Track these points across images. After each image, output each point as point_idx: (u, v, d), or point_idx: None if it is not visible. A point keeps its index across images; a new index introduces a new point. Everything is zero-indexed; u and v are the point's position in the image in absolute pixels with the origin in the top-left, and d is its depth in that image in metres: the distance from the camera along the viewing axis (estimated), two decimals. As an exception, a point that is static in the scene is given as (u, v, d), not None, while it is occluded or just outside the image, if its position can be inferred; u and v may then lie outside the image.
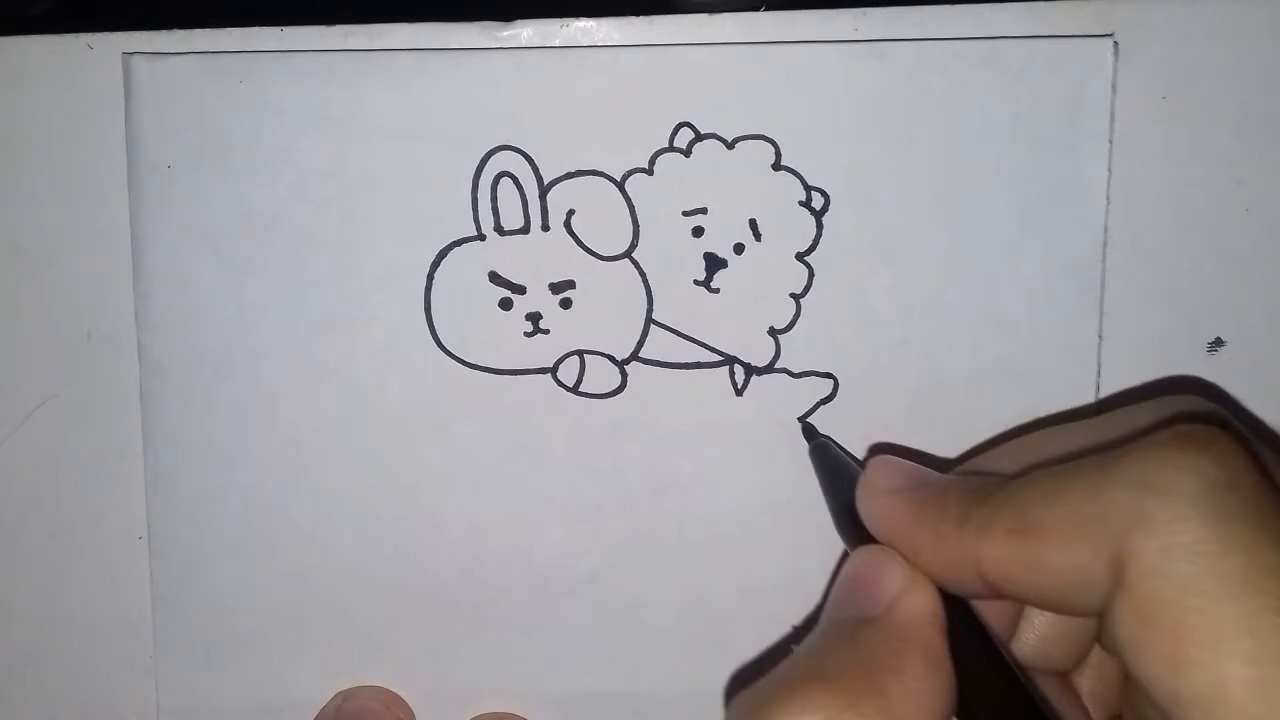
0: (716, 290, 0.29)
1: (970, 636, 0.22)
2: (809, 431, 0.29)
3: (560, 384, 0.29)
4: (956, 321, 0.29)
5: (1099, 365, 0.29)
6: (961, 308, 0.29)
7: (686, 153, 0.28)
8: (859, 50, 0.28)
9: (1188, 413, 0.22)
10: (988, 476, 0.23)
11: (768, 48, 0.28)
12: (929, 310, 0.29)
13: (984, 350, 0.29)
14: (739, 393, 0.29)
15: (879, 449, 0.29)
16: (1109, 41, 0.28)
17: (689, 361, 0.29)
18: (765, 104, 0.28)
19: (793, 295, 0.29)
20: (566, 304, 0.29)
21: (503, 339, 0.29)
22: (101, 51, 0.28)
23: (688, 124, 0.28)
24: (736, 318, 0.29)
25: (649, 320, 0.29)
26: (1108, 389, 0.29)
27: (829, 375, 0.29)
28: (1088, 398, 0.29)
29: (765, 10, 0.28)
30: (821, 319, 0.29)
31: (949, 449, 0.29)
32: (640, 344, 0.29)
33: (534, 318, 0.29)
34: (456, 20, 0.28)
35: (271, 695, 0.29)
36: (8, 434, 0.30)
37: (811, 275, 0.29)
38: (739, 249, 0.29)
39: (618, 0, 0.29)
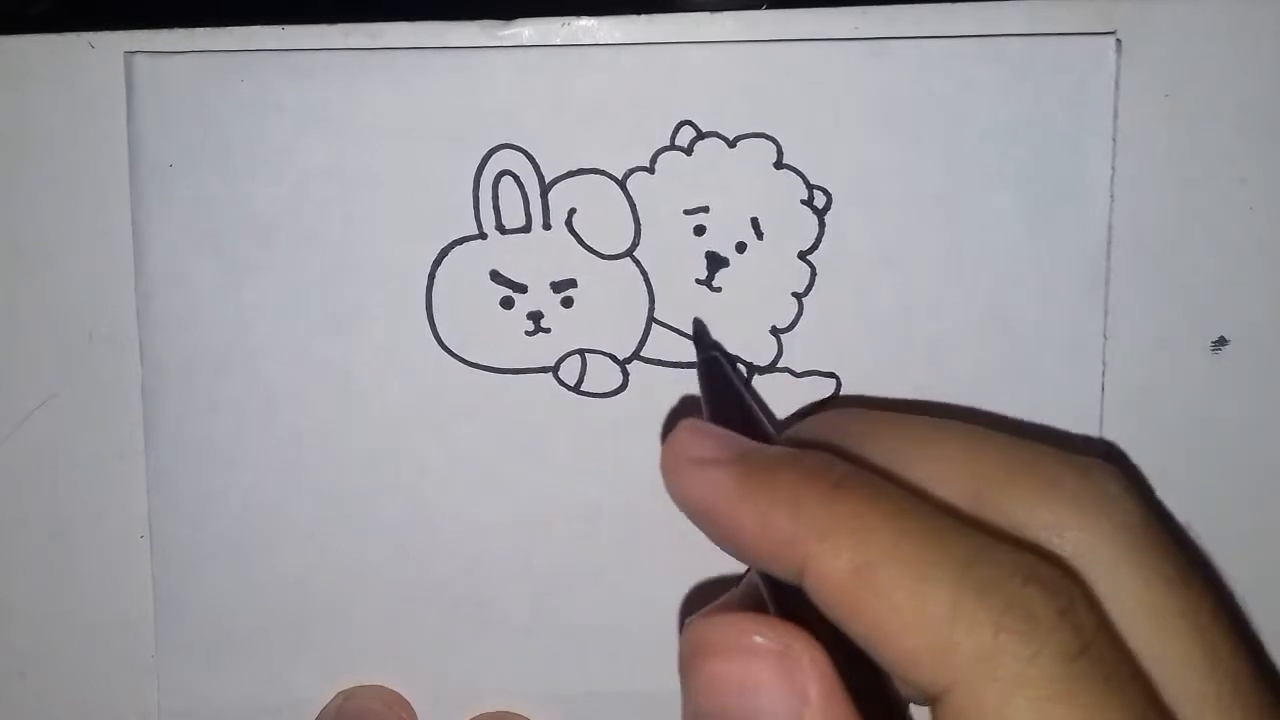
0: (718, 289, 0.29)
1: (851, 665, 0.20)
2: (700, 336, 0.27)
3: (561, 383, 0.29)
4: (959, 320, 0.29)
5: (1103, 364, 0.29)
6: (964, 306, 0.29)
7: (688, 151, 0.28)
8: (860, 48, 0.28)
9: (1049, 551, 0.21)
10: (823, 454, 0.21)
11: (769, 46, 0.28)
12: (932, 309, 0.29)
13: (987, 349, 0.29)
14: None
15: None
16: (1111, 39, 0.28)
17: (691, 361, 0.29)
18: (767, 102, 0.28)
19: (795, 294, 0.29)
20: (568, 303, 0.29)
21: (504, 338, 0.29)
22: (103, 50, 0.28)
23: (689, 122, 0.28)
24: (738, 317, 0.29)
25: (650, 319, 0.29)
26: (1112, 388, 0.29)
27: (831, 374, 0.29)
28: (1092, 397, 0.29)
29: (766, 8, 0.28)
30: (824, 318, 0.29)
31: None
32: (642, 343, 0.29)
33: (535, 317, 0.29)
34: (457, 19, 0.28)
35: (273, 695, 0.29)
36: (8, 434, 0.30)
37: (814, 274, 0.29)
38: (741, 248, 0.28)
39: (619, -2, 0.29)
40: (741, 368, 0.29)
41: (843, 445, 0.23)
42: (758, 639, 0.19)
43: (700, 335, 0.28)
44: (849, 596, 0.19)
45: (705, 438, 0.22)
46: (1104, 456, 0.24)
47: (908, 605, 0.19)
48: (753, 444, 0.22)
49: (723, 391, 0.25)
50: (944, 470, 0.22)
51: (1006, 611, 0.18)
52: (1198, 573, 0.21)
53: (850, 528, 0.19)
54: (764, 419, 0.24)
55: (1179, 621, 0.20)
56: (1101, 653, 0.19)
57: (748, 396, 0.25)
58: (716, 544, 0.21)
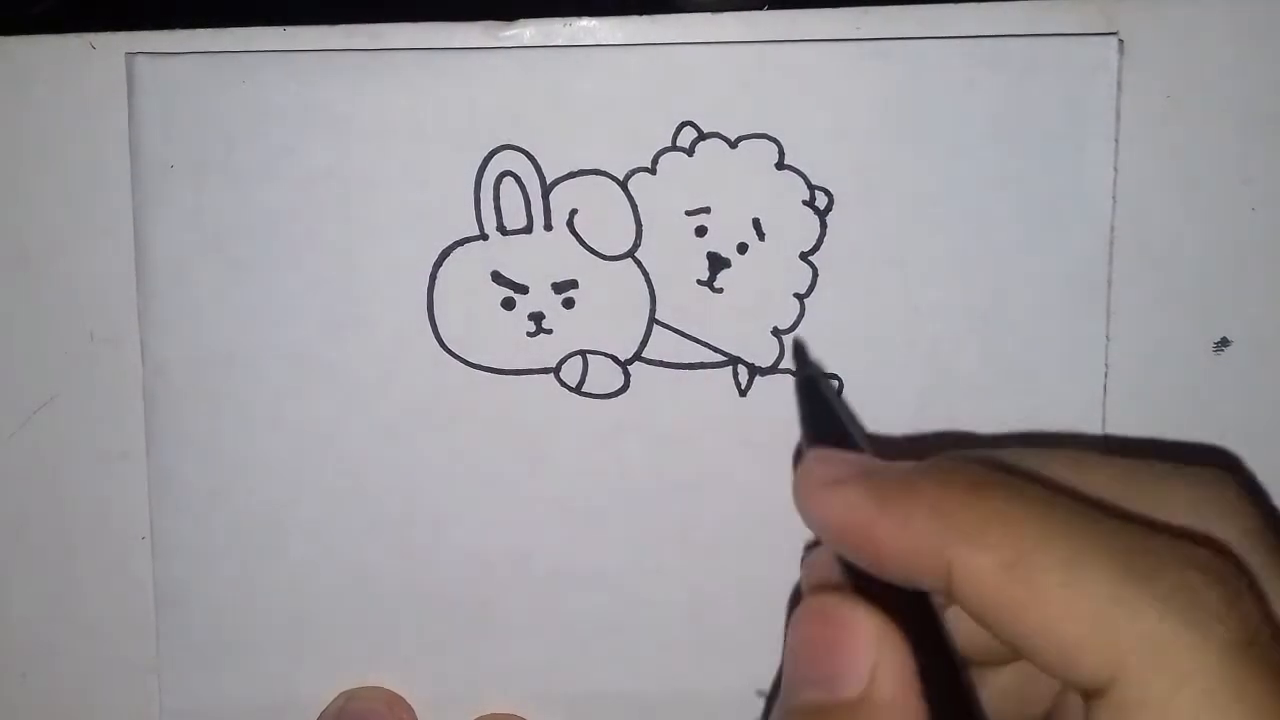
0: (720, 290, 0.29)
1: (931, 654, 0.20)
2: (800, 352, 0.27)
3: (563, 384, 0.29)
4: (962, 321, 0.29)
5: (1106, 365, 0.29)
6: (967, 308, 0.29)
7: (689, 152, 0.28)
8: (862, 49, 0.28)
9: (1207, 535, 0.21)
10: (955, 460, 0.21)
11: (770, 46, 0.28)
12: (934, 310, 0.29)
13: (990, 351, 0.29)
14: (742, 393, 0.29)
15: (883, 450, 0.29)
16: (1113, 40, 0.28)
17: (692, 362, 0.29)
18: (768, 103, 0.28)
19: (797, 295, 0.29)
20: (569, 304, 0.29)
21: (505, 339, 0.29)
22: (104, 51, 0.28)
23: (690, 123, 0.28)
24: (740, 318, 0.29)
25: (652, 320, 0.29)
26: (1115, 389, 0.29)
27: (833, 376, 0.29)
28: (1095, 398, 0.29)
29: (768, 9, 0.28)
30: (825, 319, 0.29)
31: (953, 450, 0.29)
32: (643, 344, 0.29)
33: (537, 317, 0.29)
34: (459, 20, 0.28)
35: (274, 695, 0.29)
36: (10, 434, 0.30)
37: (815, 275, 0.28)
38: (742, 248, 0.28)
39: (620, 0, 0.29)
40: (744, 369, 0.29)
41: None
42: (849, 612, 0.20)
43: (800, 353, 0.28)
44: (1001, 594, 0.19)
45: (834, 462, 0.22)
46: (1221, 464, 0.23)
47: (1064, 596, 0.18)
48: (881, 463, 0.22)
49: (821, 412, 0.25)
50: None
51: (1171, 597, 0.18)
52: None
53: (996, 524, 0.19)
54: (864, 437, 0.24)
55: None
56: (1266, 645, 0.18)
57: (845, 416, 0.25)
58: (857, 562, 0.21)
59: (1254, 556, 0.20)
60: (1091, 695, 0.18)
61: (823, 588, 0.22)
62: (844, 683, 0.20)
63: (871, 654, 0.20)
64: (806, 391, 0.26)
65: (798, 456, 0.24)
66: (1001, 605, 0.19)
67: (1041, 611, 0.18)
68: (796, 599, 0.29)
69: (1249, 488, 0.22)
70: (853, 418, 0.26)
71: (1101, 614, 0.18)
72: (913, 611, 0.20)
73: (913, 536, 0.20)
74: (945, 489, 0.20)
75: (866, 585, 0.21)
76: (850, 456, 0.22)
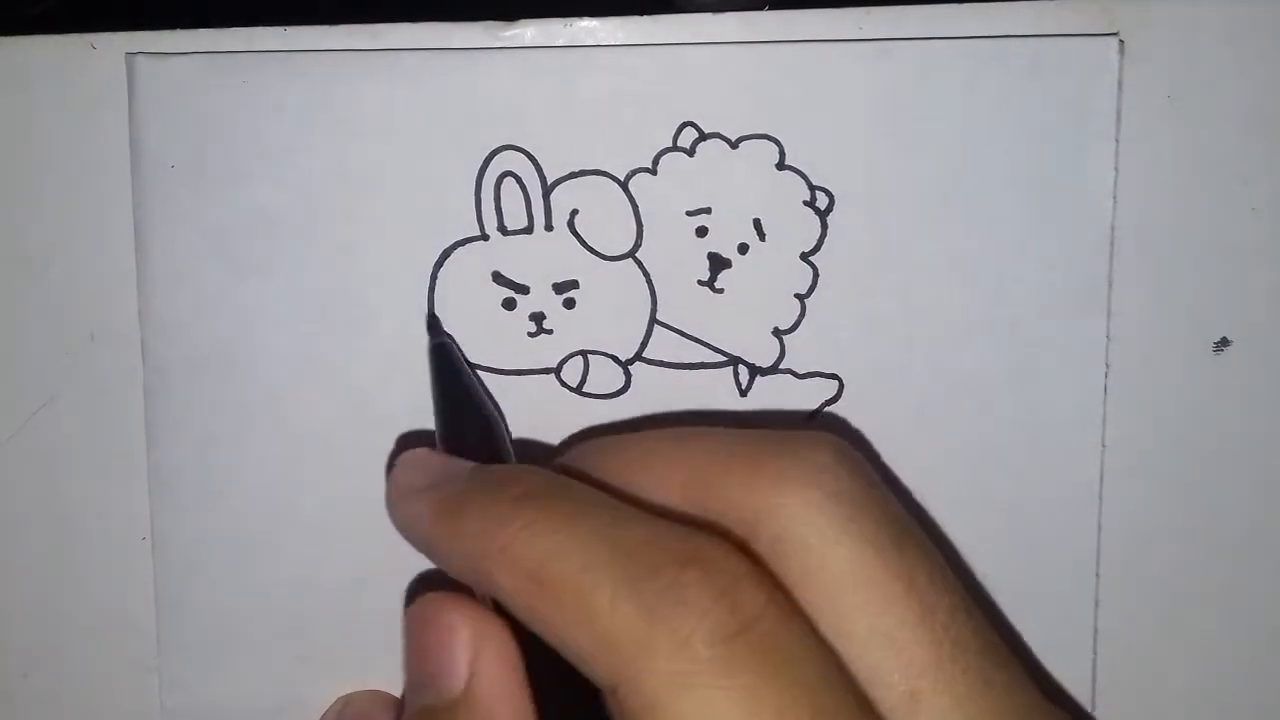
0: (721, 290, 0.29)
1: (543, 651, 0.21)
2: (434, 323, 0.27)
3: (564, 384, 0.29)
4: (962, 322, 0.29)
5: (1106, 365, 0.29)
6: (967, 308, 0.29)
7: (690, 152, 0.28)
8: (863, 49, 0.28)
9: (752, 461, 0.22)
10: (519, 468, 0.22)
11: (772, 47, 0.28)
12: (934, 310, 0.29)
13: (990, 351, 0.29)
14: (743, 393, 0.29)
15: (884, 451, 0.29)
16: (1114, 40, 0.28)
17: (693, 362, 0.29)
18: (769, 103, 0.28)
19: (797, 295, 0.29)
20: (570, 304, 0.29)
21: (506, 339, 0.29)
22: (104, 52, 0.28)
23: (691, 123, 0.28)
24: (741, 318, 0.29)
25: (653, 320, 0.29)
26: (1115, 389, 0.29)
27: (834, 376, 0.29)
28: (1095, 398, 0.29)
29: (769, 9, 0.28)
30: (826, 319, 0.29)
31: (953, 450, 0.29)
32: (644, 344, 0.29)
33: (537, 318, 0.29)
34: (459, 20, 0.28)
35: (274, 695, 0.29)
36: (10, 434, 0.30)
37: (816, 275, 0.29)
38: (743, 249, 0.28)
39: (621, 0, 0.29)
40: (745, 369, 0.29)
41: (583, 470, 0.23)
42: (445, 614, 0.21)
43: (433, 325, 0.28)
44: (527, 602, 0.20)
45: (415, 469, 0.23)
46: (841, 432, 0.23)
47: (574, 603, 0.19)
48: (458, 469, 0.23)
49: (451, 380, 0.26)
50: (661, 475, 0.22)
51: (660, 598, 0.19)
52: (915, 539, 0.21)
53: (526, 536, 0.20)
54: (490, 407, 0.25)
55: (894, 587, 0.20)
56: (766, 630, 0.18)
57: (476, 384, 0.26)
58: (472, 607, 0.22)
59: (834, 521, 0.21)
60: (609, 698, 0.19)
61: (431, 592, 0.23)
62: (447, 683, 0.21)
63: (468, 651, 0.21)
64: (438, 360, 0.26)
65: (447, 437, 0.25)
66: (530, 611, 0.20)
67: (558, 618, 0.19)
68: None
69: (850, 454, 0.22)
70: (480, 387, 0.26)
71: (601, 620, 0.19)
72: None
73: (460, 552, 0.21)
74: (491, 504, 0.21)
75: None
76: (432, 462, 0.23)
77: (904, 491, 0.29)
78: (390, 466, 0.29)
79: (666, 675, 0.18)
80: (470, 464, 0.23)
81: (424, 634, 0.22)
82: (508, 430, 0.27)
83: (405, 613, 0.23)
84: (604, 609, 0.19)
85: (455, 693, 0.21)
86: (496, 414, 0.25)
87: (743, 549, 0.20)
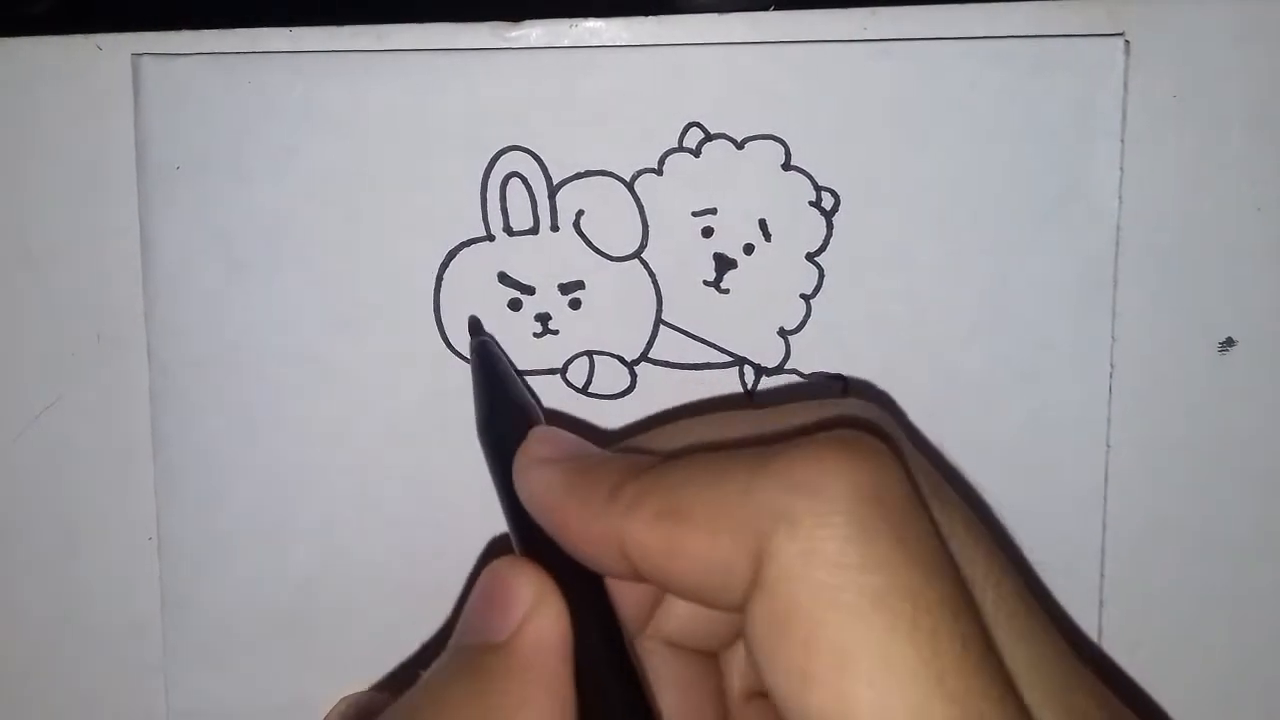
0: (726, 291, 0.29)
1: (596, 639, 0.21)
2: (475, 325, 0.28)
3: (570, 385, 0.29)
4: (967, 322, 0.29)
5: (1111, 365, 0.29)
6: (972, 308, 0.29)
7: (696, 153, 0.28)
8: (868, 49, 0.28)
9: (850, 417, 0.22)
10: (649, 454, 0.22)
11: (777, 47, 0.28)
12: (940, 311, 0.29)
13: (995, 351, 0.29)
14: (749, 393, 0.29)
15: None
16: (1120, 40, 0.28)
17: (699, 362, 0.29)
18: (775, 104, 0.28)
19: (803, 296, 0.29)
20: (576, 305, 0.29)
21: (512, 339, 0.29)
22: (110, 52, 0.28)
23: (697, 124, 0.28)
24: (746, 318, 0.29)
25: (658, 321, 0.29)
26: (1120, 389, 0.29)
27: (839, 376, 0.29)
28: (1100, 398, 0.29)
29: (774, 10, 0.28)
30: (831, 320, 0.29)
31: (958, 450, 0.29)
32: (650, 345, 0.29)
33: (543, 318, 0.29)
34: (465, 21, 0.28)
35: (280, 696, 0.29)
36: (17, 435, 0.30)
37: (821, 276, 0.29)
38: (749, 249, 0.28)
39: (626, 0, 0.29)
40: (750, 370, 0.29)
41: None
42: (514, 572, 0.22)
43: (475, 326, 0.28)
44: (658, 542, 0.19)
45: (551, 442, 0.23)
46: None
47: (707, 509, 0.19)
48: (595, 449, 0.23)
49: (493, 376, 0.26)
50: None
51: (801, 469, 0.18)
52: (951, 500, 0.21)
53: (654, 489, 0.20)
54: (533, 402, 0.26)
55: (946, 527, 0.20)
56: (900, 502, 0.18)
57: (519, 382, 0.26)
58: (554, 536, 0.22)
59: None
60: (750, 596, 0.19)
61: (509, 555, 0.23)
62: (495, 628, 0.21)
63: (523, 607, 0.21)
64: (480, 359, 0.27)
65: (487, 424, 0.25)
66: (660, 547, 0.19)
67: (696, 539, 0.19)
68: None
69: (893, 426, 0.22)
70: (526, 388, 0.27)
71: (738, 513, 0.18)
72: (586, 588, 0.22)
73: (591, 515, 0.21)
74: (621, 473, 0.21)
75: (550, 558, 0.22)
76: (566, 438, 0.23)
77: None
78: (396, 465, 0.29)
79: (804, 543, 0.18)
80: (594, 448, 0.23)
81: (488, 584, 0.22)
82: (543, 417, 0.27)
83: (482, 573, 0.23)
84: (742, 496, 0.19)
85: (499, 637, 0.21)
86: (538, 409, 0.26)
87: None
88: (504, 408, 0.25)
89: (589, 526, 0.21)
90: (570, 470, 0.22)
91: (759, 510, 0.18)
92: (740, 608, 0.19)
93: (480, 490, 0.29)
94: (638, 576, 0.20)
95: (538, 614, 0.21)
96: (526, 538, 0.23)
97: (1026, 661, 0.20)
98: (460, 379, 0.29)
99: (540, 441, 0.23)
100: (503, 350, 0.28)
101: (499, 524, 0.29)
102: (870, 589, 0.17)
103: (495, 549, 0.29)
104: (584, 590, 0.21)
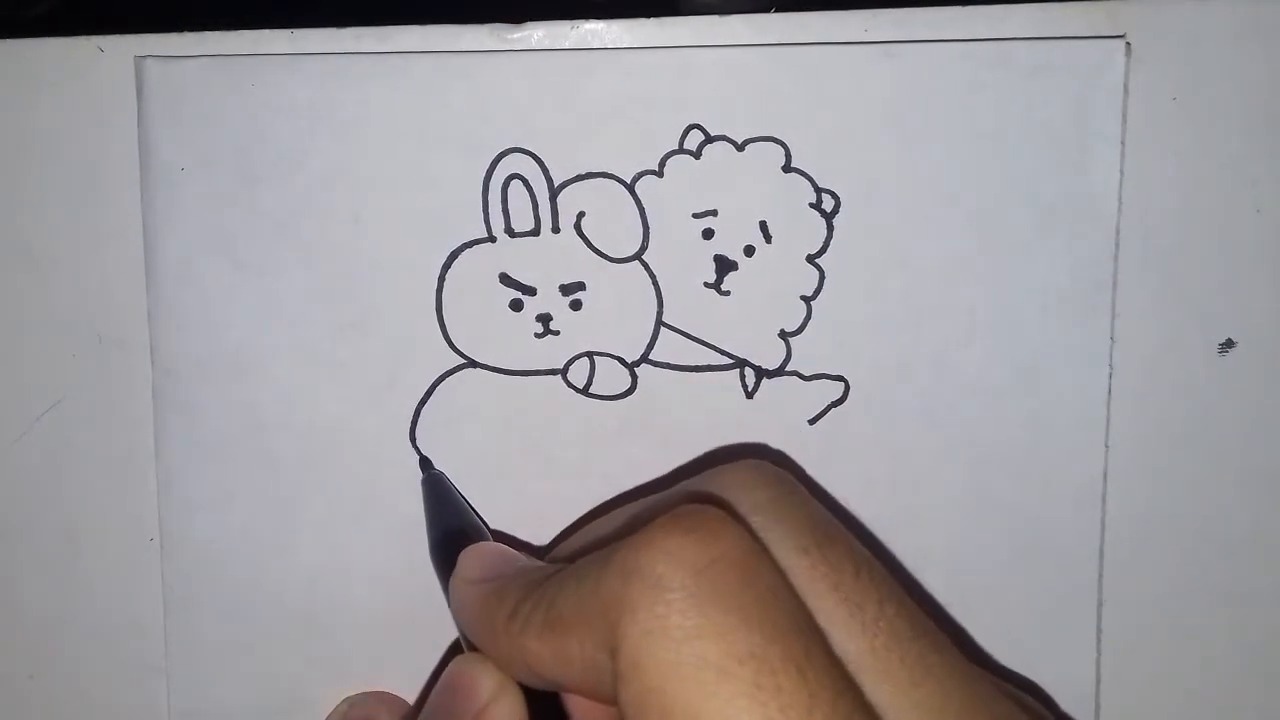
0: (727, 292, 0.29)
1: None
2: (425, 463, 0.29)
3: (570, 385, 0.29)
4: (967, 324, 0.29)
5: (1110, 367, 0.29)
6: (972, 310, 0.29)
7: (697, 155, 0.28)
8: (870, 52, 0.28)
9: (701, 493, 0.22)
10: (560, 563, 0.23)
11: (778, 49, 0.28)
12: (940, 313, 0.29)
13: (995, 353, 0.29)
14: (749, 395, 0.29)
15: (890, 451, 0.29)
16: (1120, 43, 0.28)
17: (699, 364, 0.29)
18: (775, 106, 0.28)
19: (803, 298, 0.29)
20: (577, 306, 0.29)
21: (513, 340, 0.29)
22: (113, 54, 0.28)
23: (698, 126, 0.28)
24: (747, 320, 0.29)
25: (659, 322, 0.29)
26: (1119, 391, 0.29)
27: (840, 378, 0.29)
28: (1099, 399, 0.29)
29: (775, 12, 0.28)
30: (832, 321, 0.29)
31: (960, 451, 0.29)
32: (650, 346, 0.29)
33: (544, 319, 0.29)
34: (467, 23, 0.28)
35: (282, 697, 0.29)
36: (19, 436, 0.30)
37: (822, 278, 0.29)
38: (749, 251, 0.29)
39: (628, 2, 0.29)
40: (751, 371, 0.29)
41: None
42: (473, 667, 0.23)
43: (424, 464, 0.29)
44: (545, 649, 0.21)
45: (479, 560, 0.24)
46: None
47: (574, 606, 0.20)
48: (518, 563, 0.24)
49: (442, 504, 0.28)
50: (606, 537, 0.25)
51: (635, 553, 0.19)
52: (839, 540, 0.22)
53: (539, 603, 0.21)
54: (478, 524, 0.28)
55: (819, 586, 0.21)
56: (736, 563, 0.19)
57: (466, 508, 0.28)
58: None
59: (759, 531, 0.21)
60: (615, 682, 0.19)
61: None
62: (457, 716, 0.22)
63: (483, 697, 0.22)
64: (430, 490, 0.28)
65: (436, 552, 0.27)
66: (555, 655, 0.20)
67: (569, 637, 0.20)
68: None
69: (772, 472, 0.23)
70: (471, 513, 0.28)
71: (591, 604, 0.19)
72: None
73: (497, 642, 0.22)
74: (522, 590, 0.22)
75: None
76: (494, 554, 0.25)
77: (836, 505, 0.29)
78: (398, 466, 0.29)
79: (644, 625, 0.18)
80: (520, 560, 0.24)
81: (452, 676, 0.23)
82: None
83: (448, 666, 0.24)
84: (592, 590, 0.19)
85: None
86: (484, 530, 0.28)
87: None
88: (452, 532, 0.27)
89: (498, 646, 0.22)
90: (485, 592, 0.23)
91: (606, 604, 0.19)
92: (610, 686, 0.19)
93: (483, 491, 0.29)
94: (548, 685, 0.21)
95: (497, 703, 0.22)
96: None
97: (934, 696, 0.20)
98: (461, 379, 0.29)
99: (468, 562, 0.24)
100: (451, 484, 0.29)
101: (501, 525, 0.29)
102: (711, 657, 0.18)
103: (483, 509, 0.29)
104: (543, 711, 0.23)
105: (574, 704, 0.23)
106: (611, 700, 0.19)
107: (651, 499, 0.25)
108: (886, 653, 0.20)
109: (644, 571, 0.19)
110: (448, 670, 0.23)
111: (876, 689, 0.20)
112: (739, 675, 0.18)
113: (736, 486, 0.22)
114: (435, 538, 0.27)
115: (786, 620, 0.19)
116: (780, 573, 0.20)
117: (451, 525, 0.27)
